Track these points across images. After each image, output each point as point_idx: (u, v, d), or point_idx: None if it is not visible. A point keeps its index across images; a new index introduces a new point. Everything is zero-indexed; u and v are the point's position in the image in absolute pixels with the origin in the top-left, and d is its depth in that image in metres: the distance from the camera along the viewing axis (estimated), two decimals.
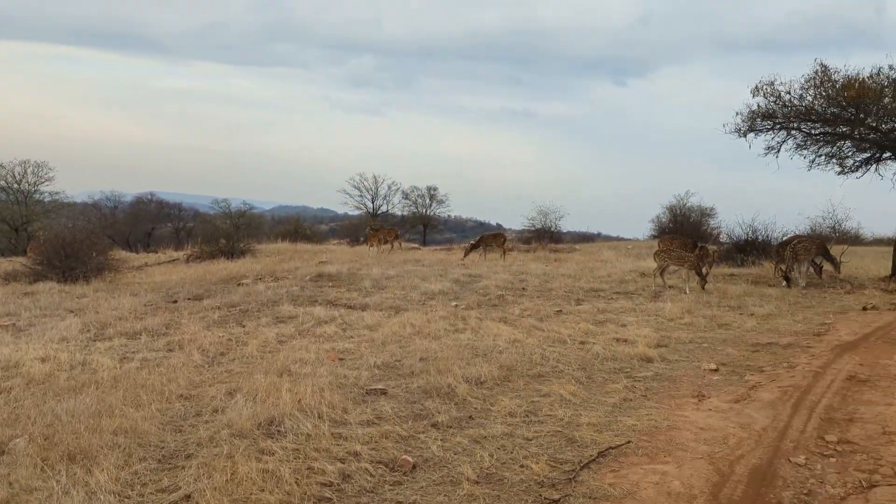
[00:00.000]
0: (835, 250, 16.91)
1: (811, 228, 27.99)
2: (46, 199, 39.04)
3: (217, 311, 11.42)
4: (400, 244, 24.67)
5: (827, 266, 16.53)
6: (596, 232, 48.28)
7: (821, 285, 15.20)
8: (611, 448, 5.10)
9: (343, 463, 4.76)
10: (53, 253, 17.41)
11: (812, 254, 15.85)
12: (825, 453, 5.12)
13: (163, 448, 5.11)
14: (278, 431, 5.33)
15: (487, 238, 21.60)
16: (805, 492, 4.47)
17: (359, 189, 47.13)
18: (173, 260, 23.77)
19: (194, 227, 43.74)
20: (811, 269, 16.24)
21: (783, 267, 15.61)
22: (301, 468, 4.62)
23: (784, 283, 15.08)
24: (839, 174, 18.03)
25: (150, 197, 50.05)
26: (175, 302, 12.65)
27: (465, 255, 20.92)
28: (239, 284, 14.80)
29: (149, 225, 46.40)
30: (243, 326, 10.08)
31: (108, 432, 5.26)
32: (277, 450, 4.91)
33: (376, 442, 5.17)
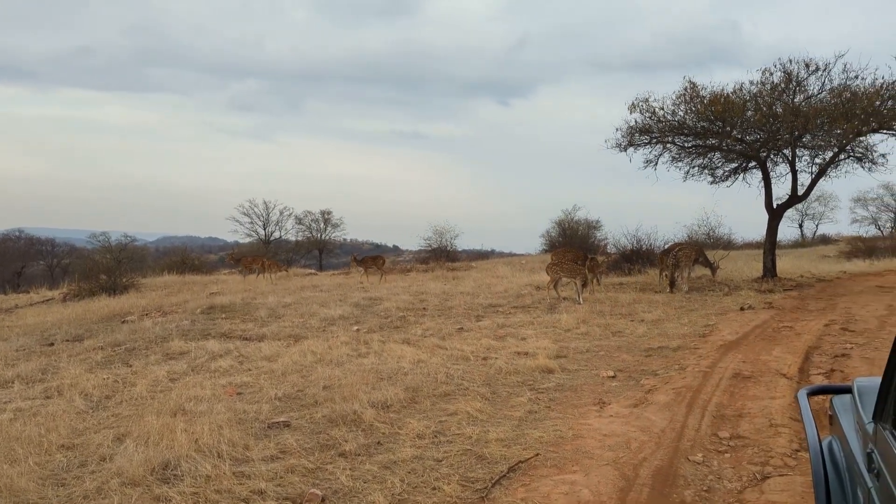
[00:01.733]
0: (717, 255, 18.07)
1: (688, 236, 29.73)
2: None
3: (100, 351, 10.69)
4: (262, 271, 24.14)
5: (705, 270, 17.62)
6: (490, 249, 49.26)
7: (702, 289, 16.09)
8: (520, 462, 5.13)
9: (247, 503, 4.54)
10: None
11: (692, 260, 16.79)
12: (720, 449, 5.38)
13: None
14: (174, 475, 5.02)
15: (367, 260, 23.15)
16: (705, 489, 4.66)
17: (249, 216, 45.73)
18: (48, 300, 22.13)
19: (70, 263, 40.93)
20: (710, 271, 17.32)
21: (667, 274, 16.43)
22: None
23: (669, 289, 15.87)
24: (711, 184, 19.32)
25: (18, 234, 46.52)
26: (51, 345, 11.75)
27: (352, 264, 24.00)
28: (123, 322, 13.96)
29: (18, 264, 43.05)
30: (130, 366, 9.48)
31: None
32: (174, 495, 4.62)
33: (282, 477, 4.97)
